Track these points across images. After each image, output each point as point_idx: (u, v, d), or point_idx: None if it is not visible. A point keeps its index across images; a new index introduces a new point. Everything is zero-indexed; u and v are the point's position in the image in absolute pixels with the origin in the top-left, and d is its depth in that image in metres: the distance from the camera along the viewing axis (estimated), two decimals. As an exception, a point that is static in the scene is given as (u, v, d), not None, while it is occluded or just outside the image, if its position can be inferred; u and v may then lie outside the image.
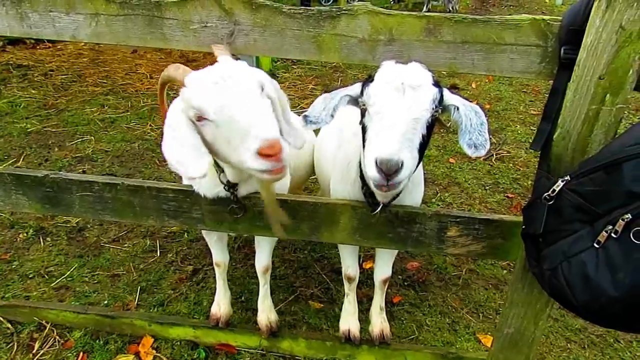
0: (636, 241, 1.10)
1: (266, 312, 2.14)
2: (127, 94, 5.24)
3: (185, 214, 1.76)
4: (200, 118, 1.27)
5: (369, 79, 1.41)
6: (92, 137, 4.21)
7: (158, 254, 2.82)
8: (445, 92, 1.41)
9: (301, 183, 2.59)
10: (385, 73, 1.36)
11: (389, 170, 1.23)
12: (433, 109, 1.33)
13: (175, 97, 1.44)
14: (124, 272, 2.65)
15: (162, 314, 2.32)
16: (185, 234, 3.02)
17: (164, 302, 2.44)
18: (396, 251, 2.09)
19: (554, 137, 1.39)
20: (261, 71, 1.44)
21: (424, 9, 10.15)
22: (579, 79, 1.29)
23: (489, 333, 2.37)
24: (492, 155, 4.24)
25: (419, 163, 1.42)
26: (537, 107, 5.41)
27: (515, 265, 1.68)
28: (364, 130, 1.42)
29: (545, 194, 1.30)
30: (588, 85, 1.28)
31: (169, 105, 1.57)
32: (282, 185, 1.93)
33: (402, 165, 1.24)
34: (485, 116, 1.41)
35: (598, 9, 1.20)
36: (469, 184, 3.79)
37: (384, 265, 2.07)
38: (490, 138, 1.41)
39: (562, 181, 1.27)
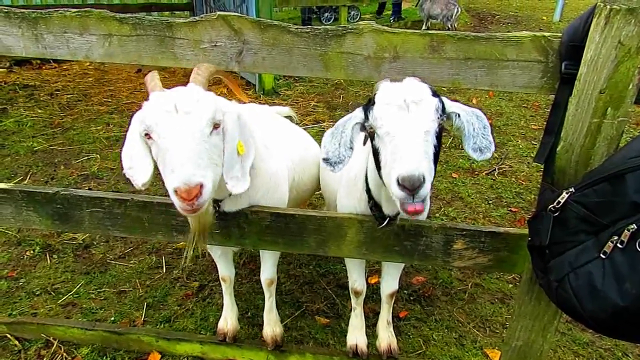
0: (642, 251, 1.12)
1: (271, 325, 2.15)
2: (131, 113, 5.27)
3: (193, 229, 1.78)
4: (148, 135, 1.37)
5: (370, 102, 1.42)
6: (98, 155, 4.25)
7: (164, 271, 2.83)
8: (446, 100, 1.43)
9: (307, 197, 2.61)
10: (385, 94, 1.37)
11: (413, 186, 1.23)
12: (438, 118, 1.35)
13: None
14: (131, 289, 2.66)
15: (169, 330, 2.32)
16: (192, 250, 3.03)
17: (171, 318, 2.44)
18: (403, 265, 2.10)
19: (557, 150, 1.42)
20: (230, 107, 1.46)
21: (423, 27, 10.30)
22: (580, 93, 1.33)
23: (497, 348, 2.36)
24: (495, 169, 4.27)
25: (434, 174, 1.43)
26: (538, 122, 5.46)
27: (522, 277, 1.68)
28: (376, 152, 1.41)
29: (551, 206, 1.32)
30: (589, 99, 1.31)
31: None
32: (281, 202, 1.95)
33: (424, 179, 1.24)
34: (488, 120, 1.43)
35: (597, 25, 1.24)
36: (472, 198, 3.81)
37: (390, 279, 2.08)
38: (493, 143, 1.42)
39: (567, 193, 1.29)
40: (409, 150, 1.27)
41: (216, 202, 1.65)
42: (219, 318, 2.38)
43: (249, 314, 2.51)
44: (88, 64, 6.93)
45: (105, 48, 1.53)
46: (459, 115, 1.42)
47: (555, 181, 1.44)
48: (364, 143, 1.55)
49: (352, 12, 10.76)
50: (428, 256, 1.73)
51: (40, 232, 3.09)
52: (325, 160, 1.46)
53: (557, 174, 1.44)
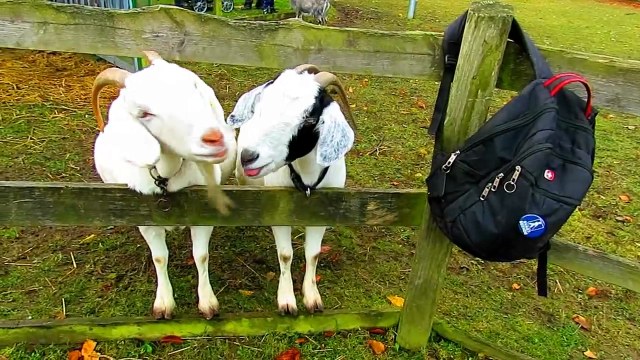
0: (508, 191, 1.56)
1: (207, 297, 2.31)
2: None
3: (133, 211, 1.85)
4: (145, 114, 1.43)
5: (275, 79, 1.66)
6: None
7: (75, 266, 2.74)
8: (331, 107, 1.64)
9: (227, 176, 2.75)
10: (279, 81, 1.62)
11: (243, 159, 1.52)
12: (304, 118, 1.57)
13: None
14: (41, 287, 2.55)
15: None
16: (100, 244, 2.96)
17: (95, 309, 2.42)
18: (324, 230, 2.41)
19: (444, 123, 1.84)
20: (194, 75, 1.62)
21: (296, 18, 10.73)
22: (459, 79, 1.75)
23: (396, 295, 2.82)
24: (376, 150, 4.82)
25: (293, 157, 1.67)
26: (405, 107, 6.20)
27: (420, 227, 2.11)
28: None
29: (443, 166, 1.72)
30: (465, 84, 1.74)
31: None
32: (215, 177, 2.11)
33: (257, 156, 1.52)
34: (355, 136, 1.70)
35: (469, 28, 1.66)
36: (360, 176, 4.29)
37: (314, 243, 2.38)
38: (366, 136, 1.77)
39: (454, 155, 1.70)
40: (259, 131, 1.54)
41: (163, 182, 1.74)
42: (148, 302, 2.45)
43: (176, 295, 2.59)
44: None
45: (39, 35, 1.53)
46: (323, 122, 1.63)
47: (444, 147, 1.86)
48: None
49: (226, 3, 10.73)
50: (347, 218, 2.05)
51: None
52: (232, 116, 1.71)
53: (445, 142, 1.86)
